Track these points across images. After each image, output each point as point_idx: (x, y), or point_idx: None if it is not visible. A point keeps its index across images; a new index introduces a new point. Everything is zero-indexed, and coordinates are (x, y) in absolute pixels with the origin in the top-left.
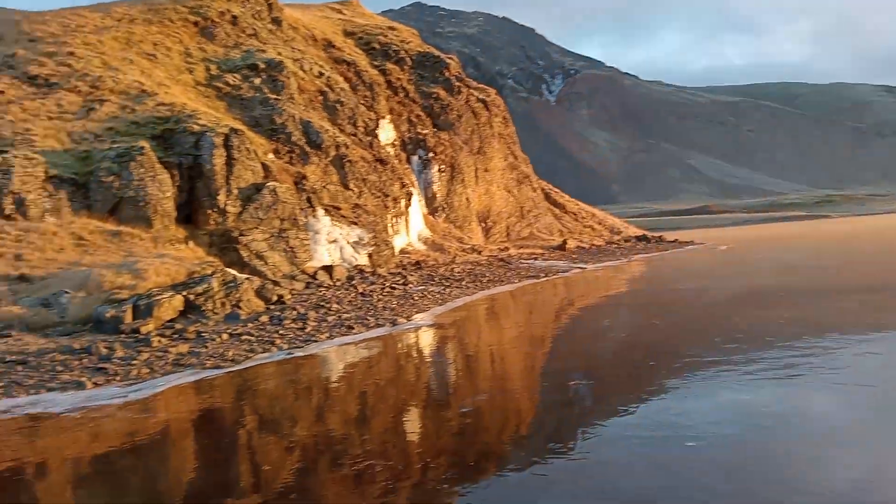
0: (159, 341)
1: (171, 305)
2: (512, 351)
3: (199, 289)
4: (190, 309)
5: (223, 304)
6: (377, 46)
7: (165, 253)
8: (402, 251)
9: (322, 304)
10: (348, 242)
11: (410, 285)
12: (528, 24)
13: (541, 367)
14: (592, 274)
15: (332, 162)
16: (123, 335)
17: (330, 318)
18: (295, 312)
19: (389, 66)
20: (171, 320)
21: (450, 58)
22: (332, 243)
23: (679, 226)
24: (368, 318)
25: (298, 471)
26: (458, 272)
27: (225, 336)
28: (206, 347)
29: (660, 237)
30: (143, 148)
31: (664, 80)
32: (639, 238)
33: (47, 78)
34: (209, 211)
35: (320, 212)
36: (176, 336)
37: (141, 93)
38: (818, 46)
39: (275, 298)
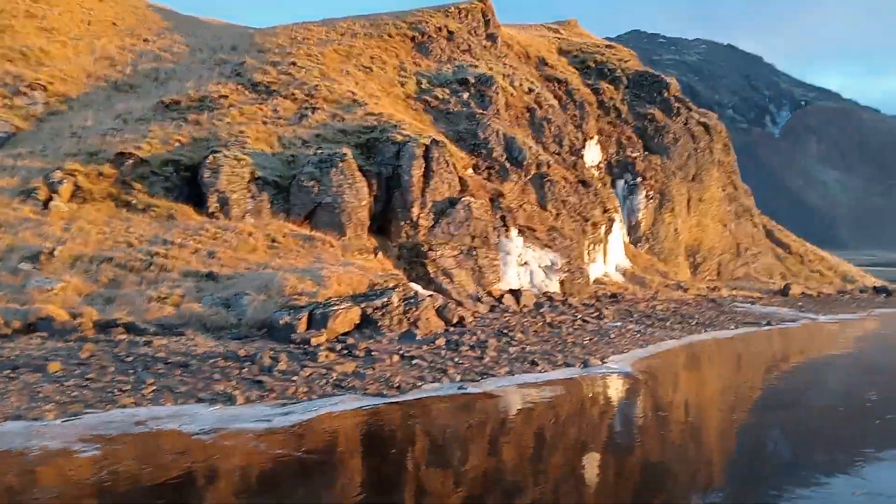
0: (326, 356)
1: (348, 317)
2: (755, 427)
3: (378, 302)
4: (366, 323)
5: (400, 322)
6: (592, 65)
7: (351, 262)
8: (597, 281)
9: (505, 331)
10: (540, 266)
11: (605, 320)
12: (755, 52)
13: (810, 458)
14: (827, 327)
15: (531, 180)
16: (293, 345)
17: (512, 350)
18: (475, 338)
19: (603, 85)
20: (345, 333)
21: (670, 78)
22: (523, 266)
23: None
24: (556, 353)
25: None
26: (662, 310)
27: (396, 358)
28: (374, 369)
29: None
30: (345, 154)
31: None
32: (877, 289)
33: (268, 85)
34: (402, 223)
35: (513, 232)
36: (345, 352)
37: (352, 103)
38: None
39: (455, 320)
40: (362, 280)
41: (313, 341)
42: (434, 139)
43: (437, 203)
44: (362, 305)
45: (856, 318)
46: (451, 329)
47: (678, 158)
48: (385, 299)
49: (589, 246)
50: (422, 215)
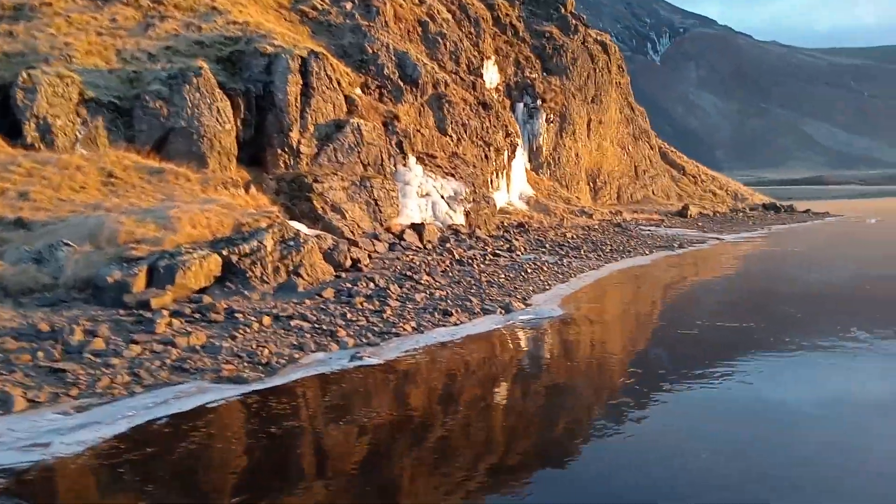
0: (168, 325)
1: (204, 269)
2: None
3: (247, 247)
4: (231, 275)
5: (277, 270)
6: None
7: (214, 199)
8: (502, 210)
9: (409, 273)
10: (443, 197)
11: (518, 253)
12: None
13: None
14: (738, 247)
15: (428, 102)
16: (125, 311)
17: (418, 297)
18: (372, 285)
19: (498, 0)
20: (201, 290)
21: None
22: (424, 197)
23: (791, 196)
24: (471, 298)
25: None
26: (572, 238)
27: (267, 320)
28: (234, 339)
29: (790, 206)
30: (200, 69)
31: (785, 40)
32: (766, 207)
33: None
34: (279, 150)
35: (412, 159)
36: (197, 316)
37: (211, 10)
38: None
39: (348, 263)
40: (225, 220)
41: (154, 304)
42: (313, 51)
43: (320, 126)
44: (225, 252)
45: (758, 235)
46: (344, 275)
47: (577, 79)
48: (255, 243)
49: (492, 173)
50: (303, 141)
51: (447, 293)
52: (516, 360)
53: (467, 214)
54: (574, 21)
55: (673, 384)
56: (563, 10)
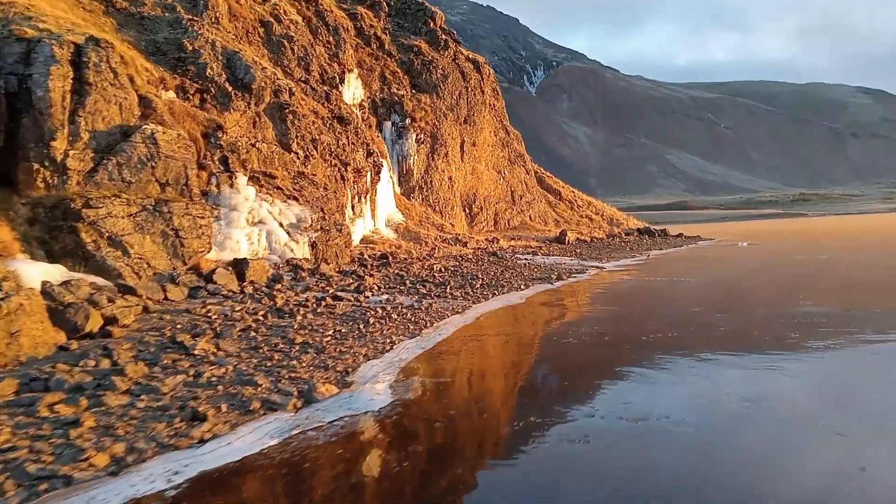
0: None
1: None
2: None
3: None
4: None
5: None
6: None
7: None
8: (365, 240)
9: (183, 339)
10: (282, 225)
11: (367, 293)
12: (513, 13)
13: None
14: (620, 277)
15: (266, 111)
16: None
17: (167, 385)
18: (107, 364)
19: (361, 10)
20: None
21: (435, 8)
22: (256, 225)
23: (658, 220)
24: (258, 380)
25: None
26: (440, 271)
27: None
28: None
29: (664, 230)
30: None
31: (648, 74)
32: (641, 231)
33: None
34: (37, 166)
35: (242, 179)
36: None
37: None
38: (803, 45)
39: (96, 326)
40: None
41: None
42: (93, 37)
43: (99, 134)
44: None
45: (638, 262)
46: (73, 347)
47: (449, 97)
48: None
49: (353, 198)
50: (72, 153)
51: (225, 371)
52: None
53: (314, 246)
54: (444, 37)
55: None
56: (431, 25)
